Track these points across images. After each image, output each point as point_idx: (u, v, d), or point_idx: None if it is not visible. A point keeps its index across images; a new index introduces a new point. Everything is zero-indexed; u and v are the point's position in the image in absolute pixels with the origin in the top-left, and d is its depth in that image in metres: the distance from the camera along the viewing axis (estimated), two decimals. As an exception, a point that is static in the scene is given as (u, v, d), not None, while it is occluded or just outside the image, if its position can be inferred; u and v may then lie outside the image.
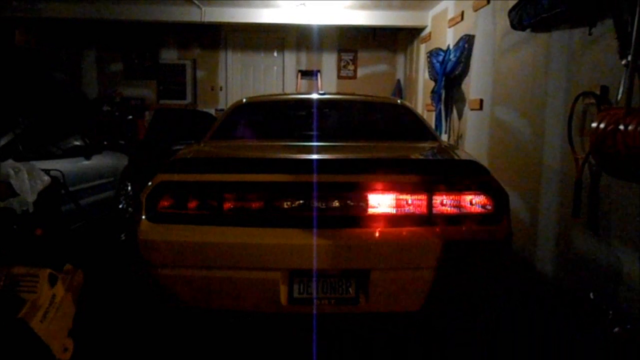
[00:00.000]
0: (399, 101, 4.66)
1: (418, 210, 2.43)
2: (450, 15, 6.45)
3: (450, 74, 5.96)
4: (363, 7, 7.68)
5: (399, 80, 9.49)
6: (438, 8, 7.13)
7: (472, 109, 5.55)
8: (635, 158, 2.33)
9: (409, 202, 2.45)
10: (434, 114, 6.54)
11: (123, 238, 4.79)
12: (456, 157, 3.01)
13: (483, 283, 2.49)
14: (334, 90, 9.35)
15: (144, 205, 2.44)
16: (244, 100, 4.24)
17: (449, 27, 6.44)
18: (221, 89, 9.73)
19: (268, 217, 2.42)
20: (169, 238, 2.39)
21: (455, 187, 2.47)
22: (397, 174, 2.48)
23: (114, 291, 3.40)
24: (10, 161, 2.93)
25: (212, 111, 8.99)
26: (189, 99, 9.66)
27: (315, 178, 2.38)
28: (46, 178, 3.03)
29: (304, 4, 7.47)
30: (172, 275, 2.41)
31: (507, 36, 4.58)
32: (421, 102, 7.96)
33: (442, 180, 2.48)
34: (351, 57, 9.82)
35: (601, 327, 2.83)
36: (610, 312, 2.80)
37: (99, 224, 4.91)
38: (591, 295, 2.97)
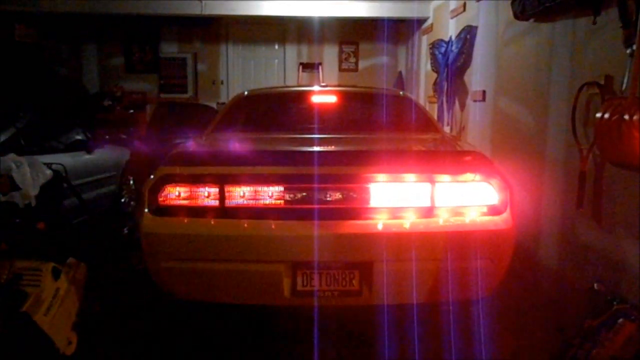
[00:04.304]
0: (401, 93, 4.64)
1: (421, 202, 2.42)
2: (452, 6, 6.40)
3: (452, 66, 5.92)
4: (364, -1, 7.64)
5: (400, 72, 9.44)
6: (440, -1, 7.08)
7: (474, 101, 5.51)
8: (641, 148, 2.31)
9: (412, 193, 2.44)
10: (436, 106, 6.50)
11: (125, 232, 4.78)
12: (459, 149, 3.00)
13: (487, 274, 2.48)
14: (335, 83, 9.31)
15: (147, 198, 2.43)
16: (246, 92, 4.22)
17: (451, 18, 6.39)
18: (222, 82, 9.70)
19: (270, 209, 2.41)
20: (172, 231, 2.39)
21: (459, 178, 2.46)
22: (399, 165, 2.47)
23: (117, 285, 3.41)
24: (12, 155, 2.92)
25: (214, 105, 8.96)
26: (190, 92, 9.63)
27: (317, 170, 2.37)
28: (48, 172, 3.03)
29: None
30: (175, 268, 2.41)
31: (510, 27, 4.54)
32: (423, 94, 7.91)
33: (446, 171, 2.46)
34: (352, 50, 9.77)
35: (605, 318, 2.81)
36: (615, 303, 2.79)
37: (102, 218, 4.92)
38: (595, 286, 2.95)
